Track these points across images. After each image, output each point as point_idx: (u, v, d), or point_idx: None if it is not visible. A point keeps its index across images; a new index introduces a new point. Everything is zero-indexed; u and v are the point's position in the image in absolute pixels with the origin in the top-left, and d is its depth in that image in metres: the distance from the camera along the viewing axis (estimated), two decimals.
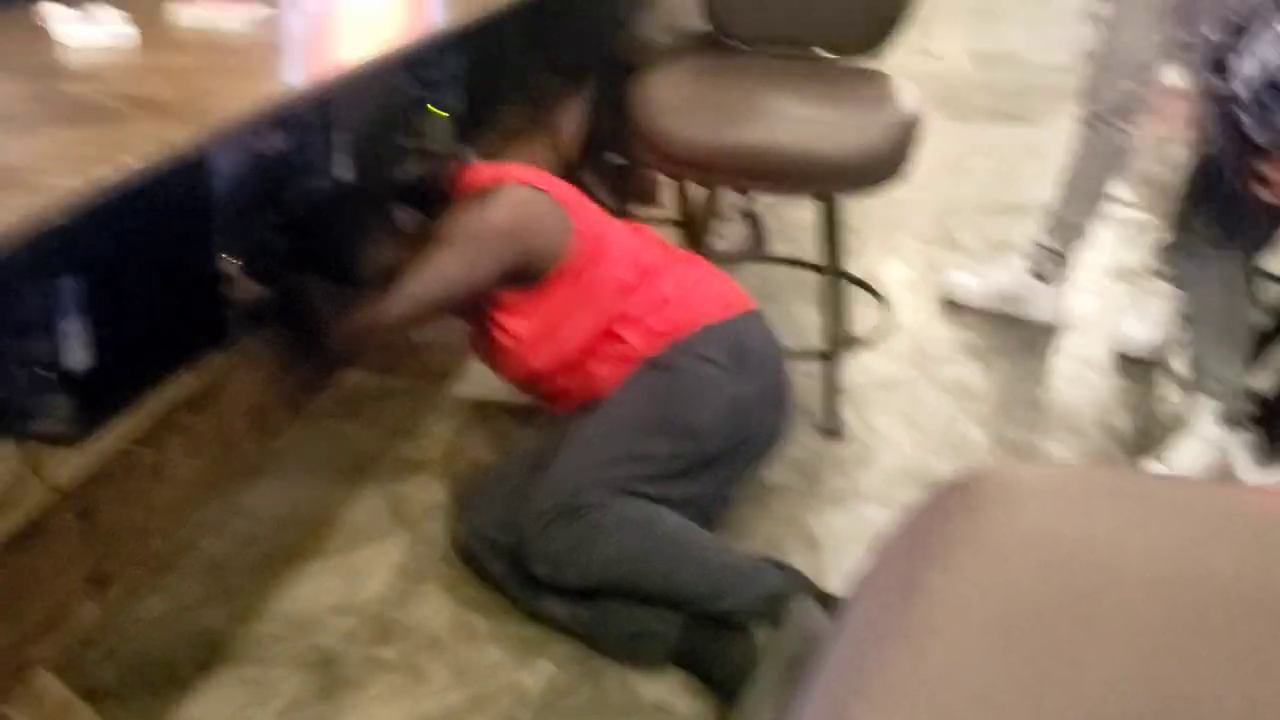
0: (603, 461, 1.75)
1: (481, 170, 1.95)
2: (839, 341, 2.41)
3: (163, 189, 1.42)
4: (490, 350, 1.97)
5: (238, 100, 1.08)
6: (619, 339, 1.88)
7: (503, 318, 1.90)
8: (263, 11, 1.41)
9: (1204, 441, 2.16)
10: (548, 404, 2.04)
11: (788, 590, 1.66)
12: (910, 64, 5.00)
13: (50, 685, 1.33)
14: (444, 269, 1.82)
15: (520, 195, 1.86)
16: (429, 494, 2.06)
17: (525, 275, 1.86)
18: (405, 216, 1.94)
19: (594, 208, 1.97)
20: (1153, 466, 2.19)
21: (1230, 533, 0.61)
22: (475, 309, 1.93)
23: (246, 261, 1.79)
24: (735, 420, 1.84)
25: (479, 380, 2.40)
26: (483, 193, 1.86)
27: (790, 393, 1.98)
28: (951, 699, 0.56)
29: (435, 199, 1.94)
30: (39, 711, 1.31)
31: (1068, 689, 0.55)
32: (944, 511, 0.66)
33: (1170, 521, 0.62)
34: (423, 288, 1.82)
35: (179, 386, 1.59)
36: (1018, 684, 0.56)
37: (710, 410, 1.82)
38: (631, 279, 1.90)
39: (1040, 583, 0.59)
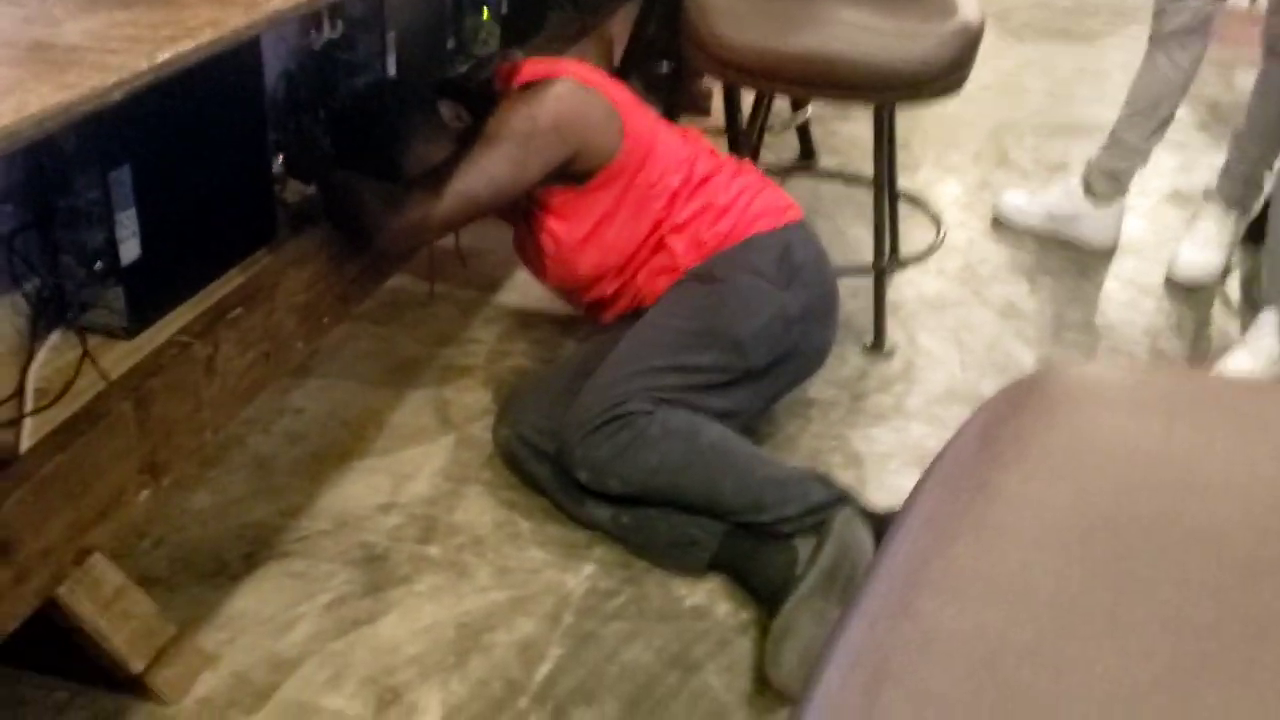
0: (647, 370, 1.75)
1: (533, 65, 1.92)
2: (888, 258, 2.39)
3: (217, 79, 1.41)
4: (535, 254, 1.96)
5: None
6: (665, 247, 1.87)
7: (549, 219, 1.88)
8: None
9: (1259, 354, 2.13)
10: (590, 313, 2.03)
11: (830, 503, 1.66)
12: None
13: (107, 570, 1.36)
14: (491, 167, 1.79)
15: (570, 90, 1.82)
16: (474, 398, 2.07)
17: (573, 174, 1.84)
18: (450, 112, 1.92)
19: (646, 109, 1.93)
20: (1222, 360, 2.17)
21: None
22: (522, 211, 1.92)
23: (295, 156, 1.79)
24: (781, 333, 1.83)
25: (524, 289, 2.40)
26: (532, 87, 1.84)
27: (837, 306, 1.96)
28: (1023, 600, 0.55)
29: (483, 96, 1.91)
30: (96, 595, 1.33)
31: (1142, 600, 0.54)
32: (1014, 408, 0.65)
33: (1252, 432, 0.60)
34: (469, 186, 1.79)
35: (230, 282, 1.59)
36: (1090, 591, 0.55)
37: (756, 322, 1.80)
38: (680, 185, 1.88)
39: (1116, 490, 0.58)
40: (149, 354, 1.42)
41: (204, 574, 1.66)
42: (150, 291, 1.47)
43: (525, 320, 2.31)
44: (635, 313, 1.92)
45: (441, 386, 2.10)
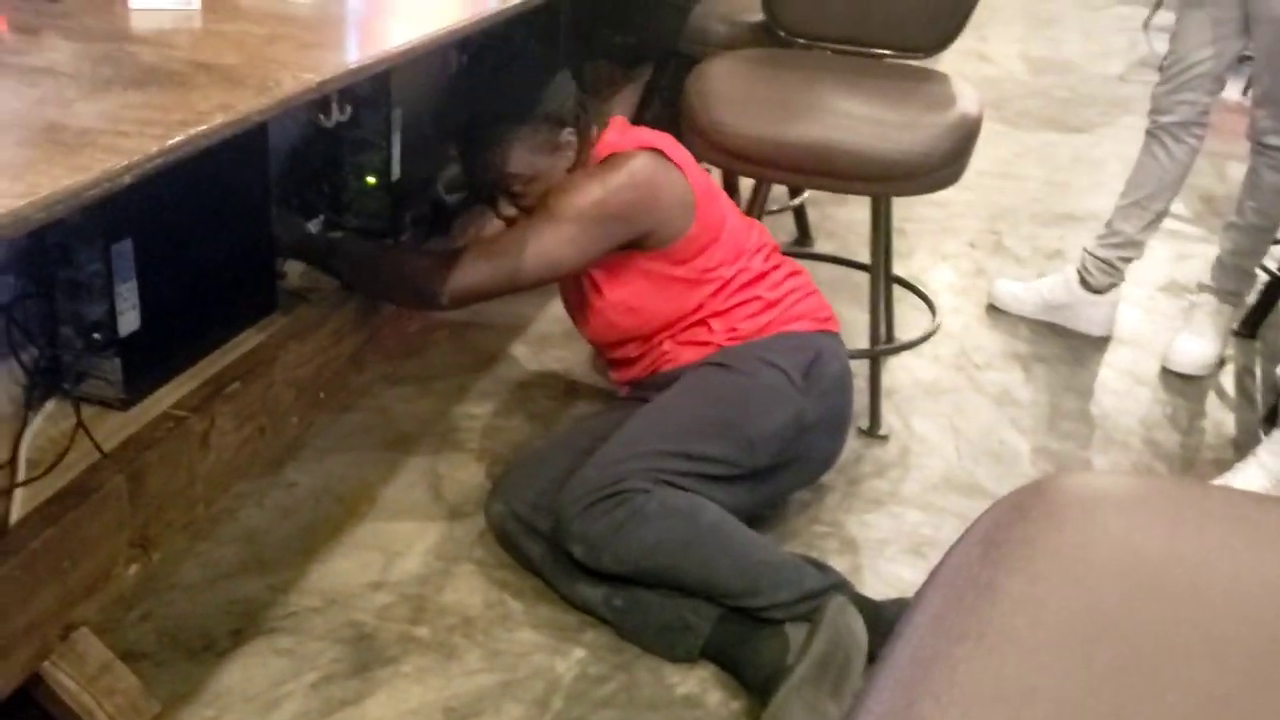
0: (653, 452, 1.74)
1: (617, 135, 1.90)
2: (884, 343, 2.39)
3: (223, 155, 1.42)
4: (577, 302, 1.97)
5: (305, 70, 1.07)
6: (704, 325, 1.89)
7: (596, 273, 1.89)
8: None
9: (1269, 472, 2.12)
10: (610, 369, 2.04)
11: (825, 590, 1.64)
12: (964, 67, 4.98)
13: (92, 645, 1.34)
14: (552, 249, 1.77)
15: (648, 170, 1.80)
16: (468, 474, 2.06)
17: (634, 243, 1.84)
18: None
19: (720, 195, 1.94)
20: None
21: None
22: None
23: (287, 234, 1.81)
24: (793, 438, 1.83)
25: (521, 364, 2.40)
26: (611, 161, 1.82)
27: (849, 422, 1.99)
28: (1027, 707, 0.55)
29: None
30: (81, 671, 1.31)
31: (1147, 709, 0.53)
32: (1020, 514, 0.64)
33: (1258, 545, 0.60)
34: (526, 263, 1.77)
35: (228, 355, 1.59)
36: (1096, 698, 0.54)
37: (772, 423, 1.81)
38: (733, 275, 1.90)
39: (1123, 597, 0.58)
40: (144, 426, 1.41)
41: (191, 649, 1.63)
42: (147, 363, 1.47)
43: (521, 396, 2.31)
44: (651, 379, 1.92)
45: (435, 462, 2.09)
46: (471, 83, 1.86)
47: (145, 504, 1.37)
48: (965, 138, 2.09)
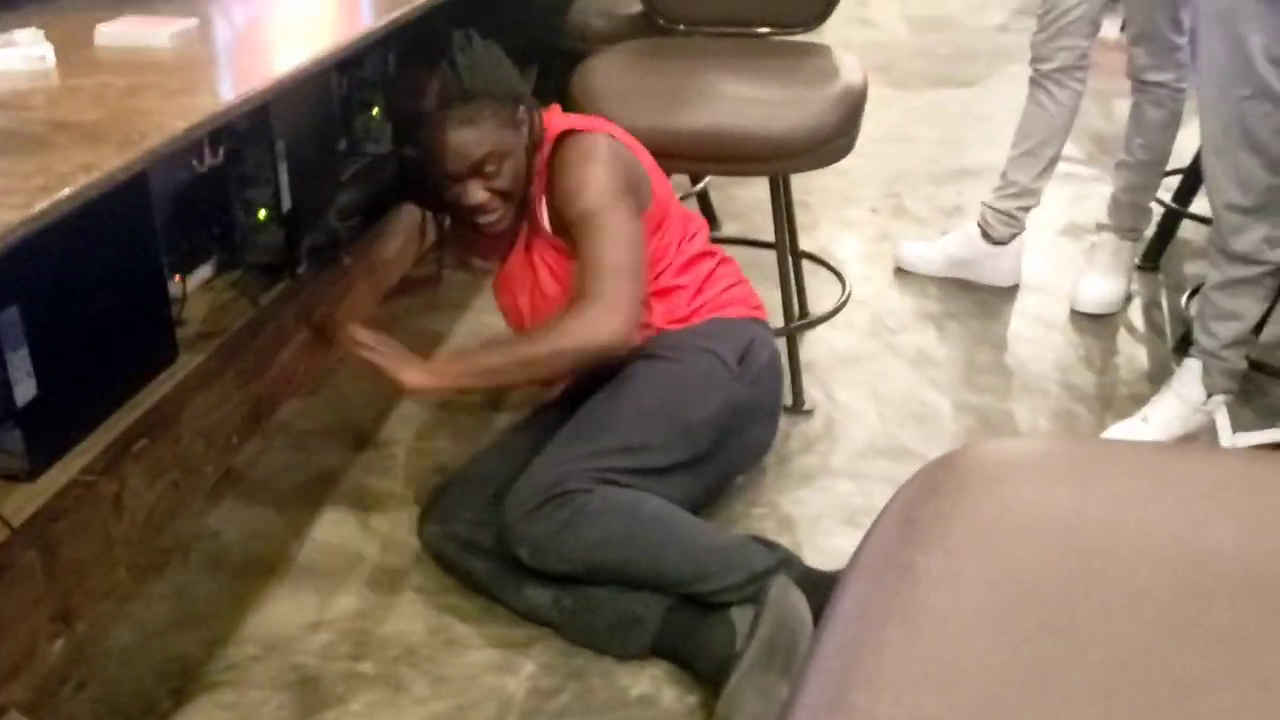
0: (593, 452, 1.73)
1: (560, 117, 1.92)
2: (798, 318, 2.41)
3: (103, 210, 1.38)
4: (531, 301, 1.94)
5: (169, 119, 1.04)
6: (644, 307, 1.88)
7: (565, 261, 1.87)
8: (188, 25, 1.37)
9: (1186, 402, 2.17)
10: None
11: (774, 568, 1.65)
12: (848, 34, 5.01)
13: None
14: (625, 230, 1.76)
15: (613, 145, 1.84)
16: (395, 502, 2.03)
17: None
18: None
19: (665, 177, 1.96)
20: (1135, 425, 2.19)
21: (1225, 504, 0.61)
22: (525, 250, 1.92)
23: None
24: (728, 422, 1.84)
25: None
26: (572, 144, 1.83)
27: (780, 409, 2.01)
28: (956, 682, 0.55)
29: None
30: None
31: (1072, 669, 0.54)
32: (932, 490, 0.65)
33: (1164, 496, 0.61)
34: (623, 257, 1.74)
35: (133, 412, 1.55)
36: (1021, 665, 0.55)
37: (708, 408, 1.81)
38: (674, 256, 1.91)
39: (1038, 562, 0.58)
40: (52, 496, 1.37)
41: (131, 715, 1.59)
42: (49, 431, 1.43)
43: (442, 416, 2.29)
44: (587, 381, 1.91)
45: (361, 493, 2.06)
46: (414, 75, 1.82)
47: (62, 576, 1.33)
48: (852, 108, 2.11)
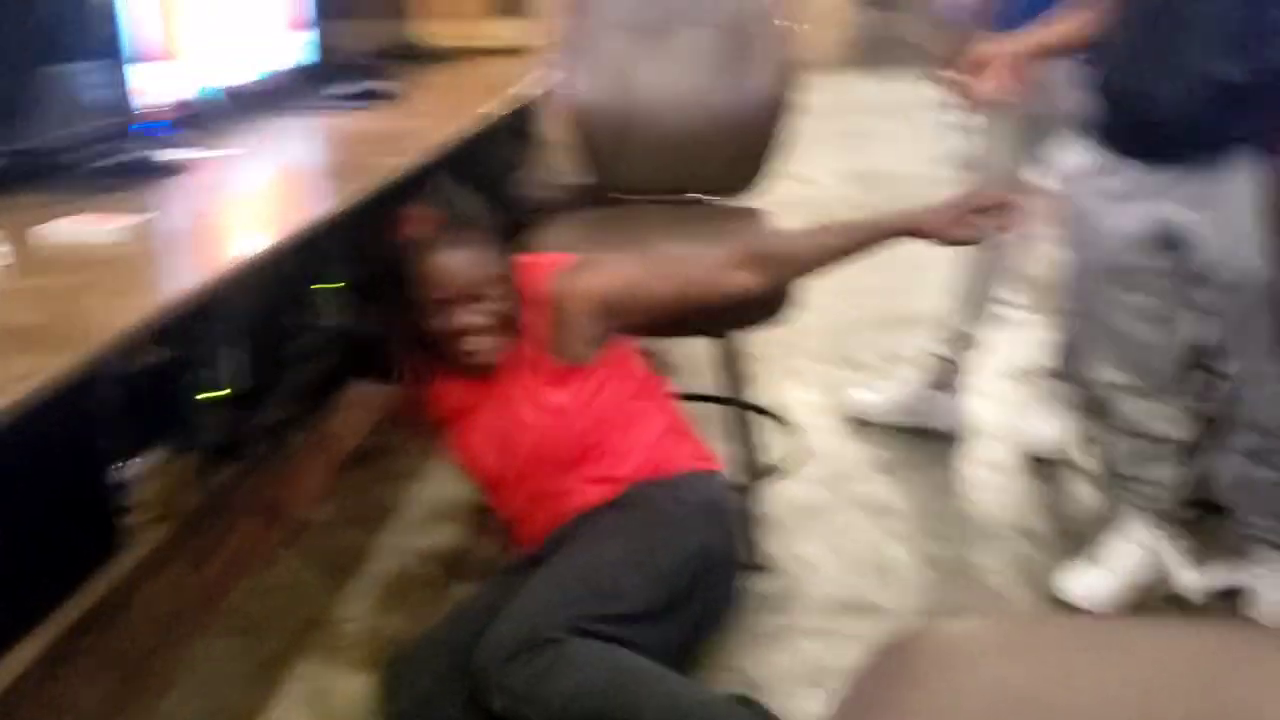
0: (568, 601, 1.70)
1: (532, 261, 1.94)
2: (753, 473, 2.41)
3: (40, 409, 1.37)
4: (504, 436, 1.90)
5: (115, 318, 1.04)
6: (613, 457, 1.87)
7: (545, 390, 1.86)
8: (135, 220, 1.38)
9: (1132, 542, 2.17)
10: (512, 527, 1.98)
11: None
12: (787, 191, 5.14)
13: None
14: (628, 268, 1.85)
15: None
16: (352, 685, 1.97)
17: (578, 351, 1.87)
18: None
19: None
20: (1088, 569, 2.18)
21: (1176, 675, 0.61)
22: (502, 389, 1.90)
23: None
24: (701, 568, 1.82)
25: (390, 554, 2.34)
26: (574, 264, 1.89)
27: (743, 565, 1.99)
28: None
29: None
30: None
31: None
32: (885, 677, 0.64)
33: (1116, 668, 0.61)
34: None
35: (76, 608, 1.51)
36: None
37: (681, 554, 1.79)
38: (639, 390, 1.92)
39: None
40: None
41: None
42: None
43: (398, 590, 2.25)
44: (558, 531, 1.88)
45: (318, 675, 2.00)
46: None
47: None
48: None
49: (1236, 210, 1.70)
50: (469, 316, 1.81)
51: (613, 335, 1.93)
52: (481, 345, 1.84)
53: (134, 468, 1.81)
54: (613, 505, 1.85)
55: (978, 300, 2.76)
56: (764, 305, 2.12)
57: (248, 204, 1.72)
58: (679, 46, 2.49)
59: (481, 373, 1.91)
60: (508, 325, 1.86)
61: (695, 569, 1.81)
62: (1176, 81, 1.68)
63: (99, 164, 1.67)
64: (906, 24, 9.97)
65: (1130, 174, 1.81)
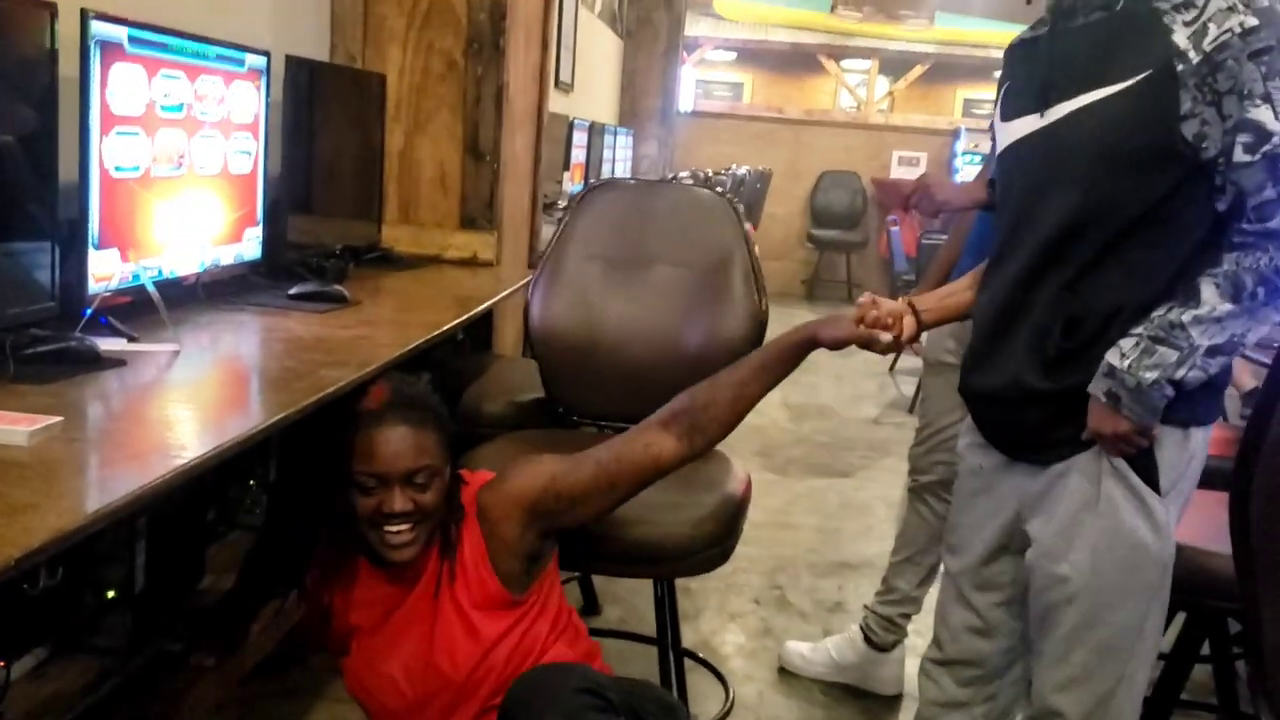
0: None
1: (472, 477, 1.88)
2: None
3: None
4: (423, 670, 1.78)
5: (6, 544, 0.95)
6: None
7: (474, 615, 1.77)
8: (51, 422, 1.29)
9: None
10: None
11: None
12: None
13: None
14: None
15: None
16: None
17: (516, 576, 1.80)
18: None
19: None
20: None
21: None
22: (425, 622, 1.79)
23: None
24: None
25: None
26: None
27: None
28: None
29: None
30: None
31: None
32: None
33: None
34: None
35: None
36: None
37: None
38: (557, 616, 1.84)
39: None
40: None
41: None
42: None
43: None
44: None
45: None
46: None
47: None
48: (731, 517, 2.10)
49: (1064, 514, 1.67)
50: (399, 500, 1.70)
51: (548, 552, 1.84)
52: (403, 537, 1.72)
53: (19, 669, 1.67)
54: None
55: (922, 562, 2.70)
56: (706, 551, 2.05)
57: (179, 408, 1.64)
58: (654, 283, 2.51)
59: (397, 568, 1.79)
60: (433, 523, 1.76)
61: None
62: (999, 382, 1.69)
63: (29, 351, 1.59)
64: (854, 263, 10.33)
65: (992, 459, 1.79)
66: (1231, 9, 1.49)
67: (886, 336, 1.76)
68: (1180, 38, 1.50)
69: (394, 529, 1.71)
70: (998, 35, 12.22)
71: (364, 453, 1.70)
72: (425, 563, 1.79)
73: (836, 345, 1.82)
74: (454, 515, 1.80)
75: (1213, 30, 1.49)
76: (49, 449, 1.24)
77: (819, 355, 1.86)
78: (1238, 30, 1.48)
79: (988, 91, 14.39)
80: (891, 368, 6.79)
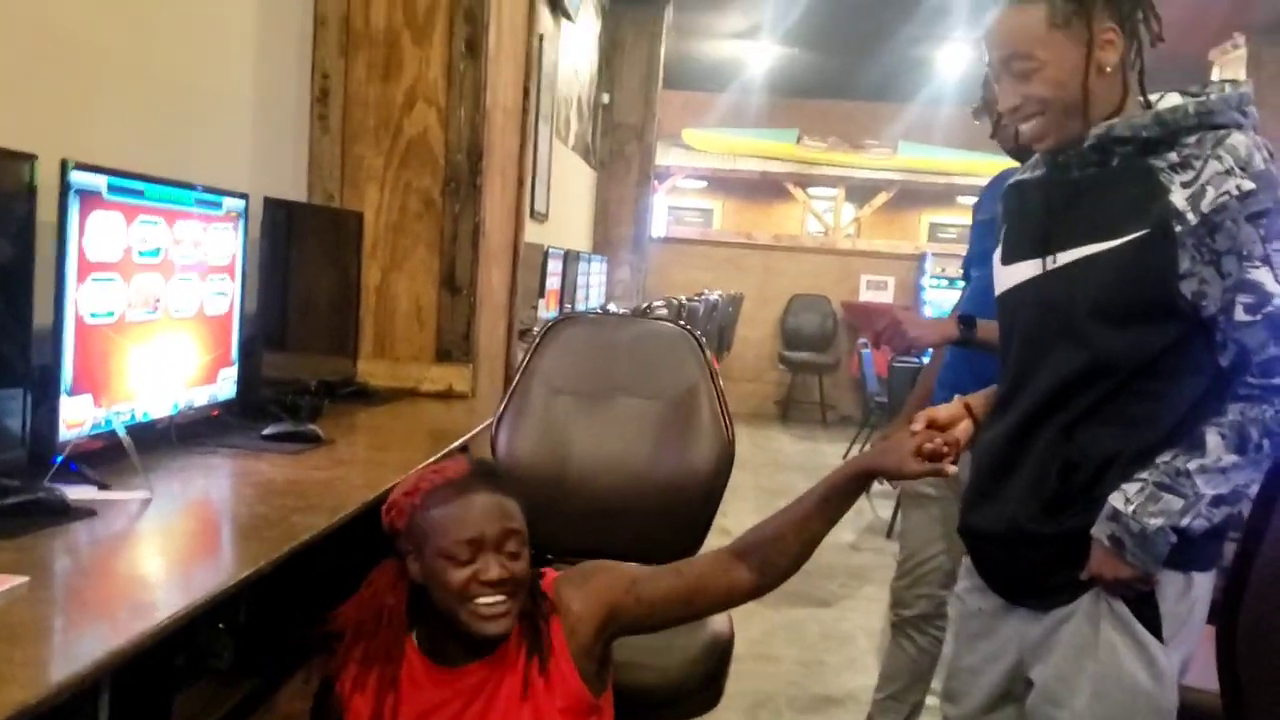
0: None
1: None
2: None
3: None
4: None
5: None
6: None
7: (559, 715, 1.68)
8: (16, 583, 1.26)
9: None
10: None
11: None
12: (710, 543, 5.09)
13: None
14: None
15: None
16: None
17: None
18: None
19: None
20: None
21: None
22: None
23: None
24: None
25: None
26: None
27: None
28: None
29: None
30: None
31: None
32: None
33: None
34: None
35: None
36: None
37: None
38: None
39: None
40: None
41: None
42: None
43: None
44: None
45: None
46: None
47: None
48: (719, 659, 2.07)
49: (1064, 658, 1.65)
50: (494, 568, 1.61)
51: (610, 659, 1.78)
52: (499, 608, 1.62)
53: None
54: None
55: (903, 698, 2.66)
56: (689, 699, 2.01)
57: (149, 561, 1.61)
58: (620, 415, 2.50)
59: (490, 641, 1.66)
60: (520, 598, 1.66)
61: None
62: (997, 524, 1.69)
63: None
64: (827, 384, 10.38)
65: (992, 602, 1.77)
66: (1229, 172, 1.51)
67: (953, 469, 1.69)
68: (1178, 198, 1.52)
69: (488, 600, 1.61)
70: (960, 163, 12.56)
71: (456, 521, 1.62)
72: (508, 660, 1.68)
73: (901, 477, 1.78)
74: (539, 608, 1.70)
75: (1210, 193, 1.51)
76: (13, 612, 1.21)
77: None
78: (1235, 193, 1.50)
79: (952, 216, 14.78)
80: (867, 490, 6.77)
